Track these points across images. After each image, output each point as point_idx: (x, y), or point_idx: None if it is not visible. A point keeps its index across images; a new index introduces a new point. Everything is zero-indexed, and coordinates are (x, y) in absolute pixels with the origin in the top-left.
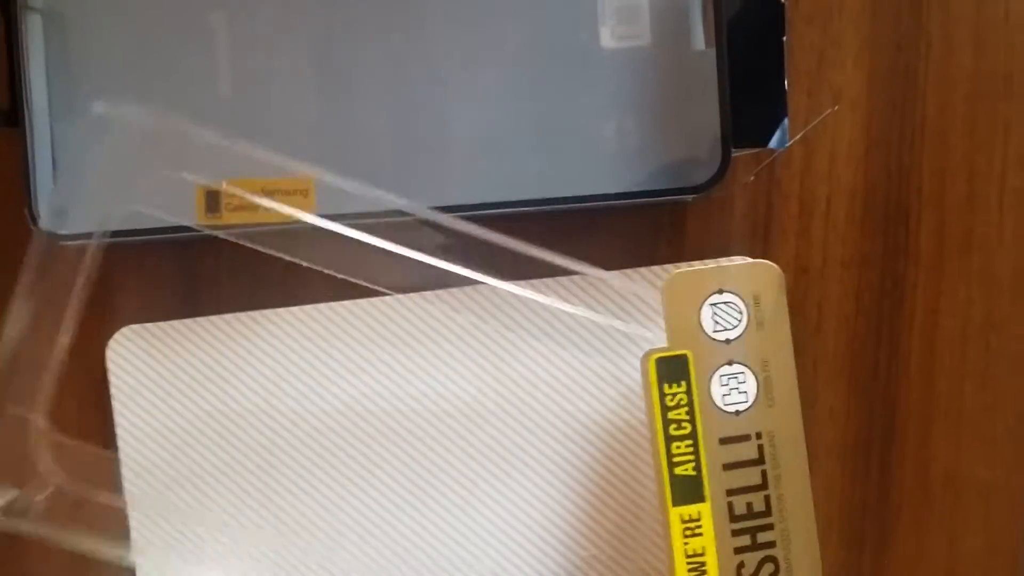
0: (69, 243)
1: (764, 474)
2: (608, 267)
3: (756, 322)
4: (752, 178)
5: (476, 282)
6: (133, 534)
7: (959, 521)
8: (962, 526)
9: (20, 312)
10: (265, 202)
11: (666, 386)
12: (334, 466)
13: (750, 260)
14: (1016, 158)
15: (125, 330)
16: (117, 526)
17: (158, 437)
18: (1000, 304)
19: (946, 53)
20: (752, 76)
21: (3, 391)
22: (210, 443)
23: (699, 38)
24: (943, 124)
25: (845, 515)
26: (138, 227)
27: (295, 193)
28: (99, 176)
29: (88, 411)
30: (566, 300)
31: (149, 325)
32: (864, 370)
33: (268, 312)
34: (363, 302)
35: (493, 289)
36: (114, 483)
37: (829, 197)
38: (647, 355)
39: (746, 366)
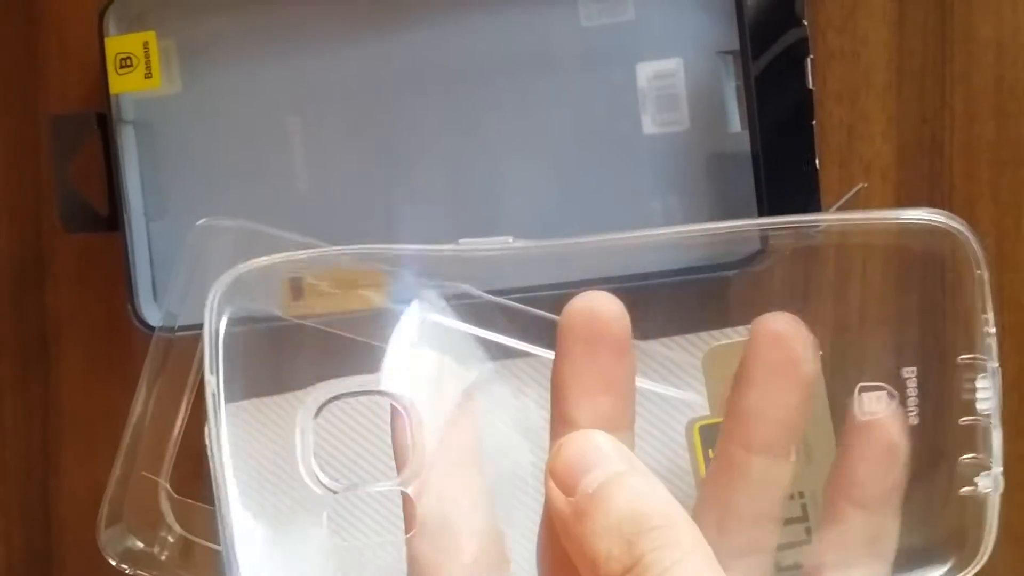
0: (181, 334)
1: (808, 531)
2: (652, 337)
3: (804, 456)
4: (788, 253)
5: (531, 355)
6: None
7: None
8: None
9: (144, 395)
10: (342, 292)
11: (710, 451)
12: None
13: None
14: None
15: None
16: (217, 570)
17: (251, 495)
18: None
19: (969, 124)
20: (785, 156)
21: (133, 460)
22: (294, 501)
23: (735, 122)
24: (970, 191)
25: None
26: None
27: (369, 286)
28: (203, 278)
29: (193, 477)
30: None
31: (243, 403)
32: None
33: None
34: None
35: (543, 360)
36: (215, 534)
37: (864, 263)
38: (691, 422)
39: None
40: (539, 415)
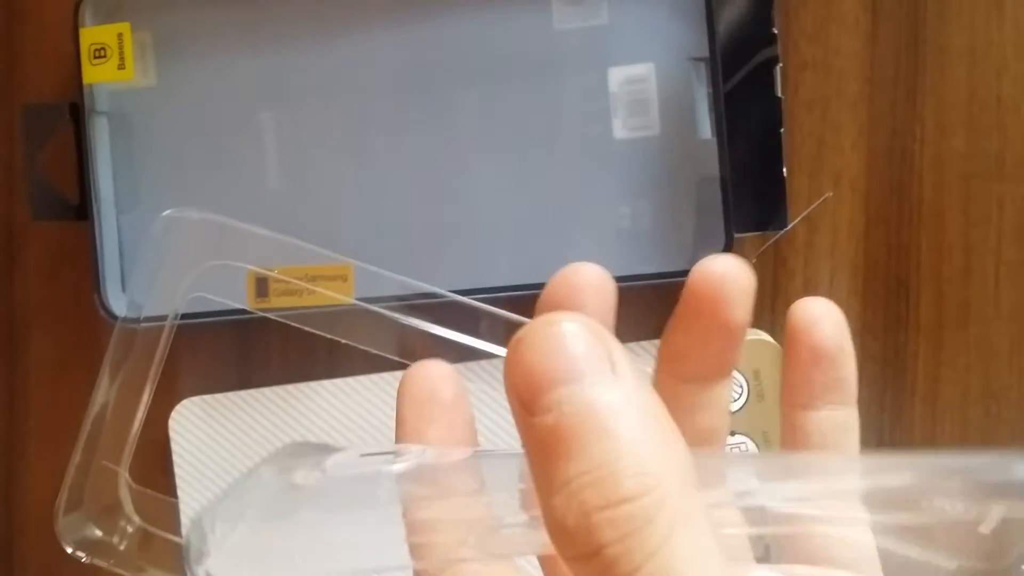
0: (145, 326)
1: (767, 548)
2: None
3: (756, 395)
4: (754, 261)
5: (496, 356)
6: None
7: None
8: None
9: (106, 385)
10: (308, 287)
11: None
12: None
13: (750, 336)
14: (1011, 233)
15: (186, 402)
16: (177, 563)
17: (212, 487)
18: (999, 372)
19: (940, 136)
20: (754, 164)
21: (94, 449)
22: None
23: (704, 128)
24: (939, 203)
25: None
26: (200, 310)
27: (335, 279)
28: (168, 269)
29: (154, 468)
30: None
31: (207, 397)
32: (870, 436)
33: (313, 384)
34: (397, 374)
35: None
36: (176, 526)
37: (832, 273)
38: None
39: (747, 436)
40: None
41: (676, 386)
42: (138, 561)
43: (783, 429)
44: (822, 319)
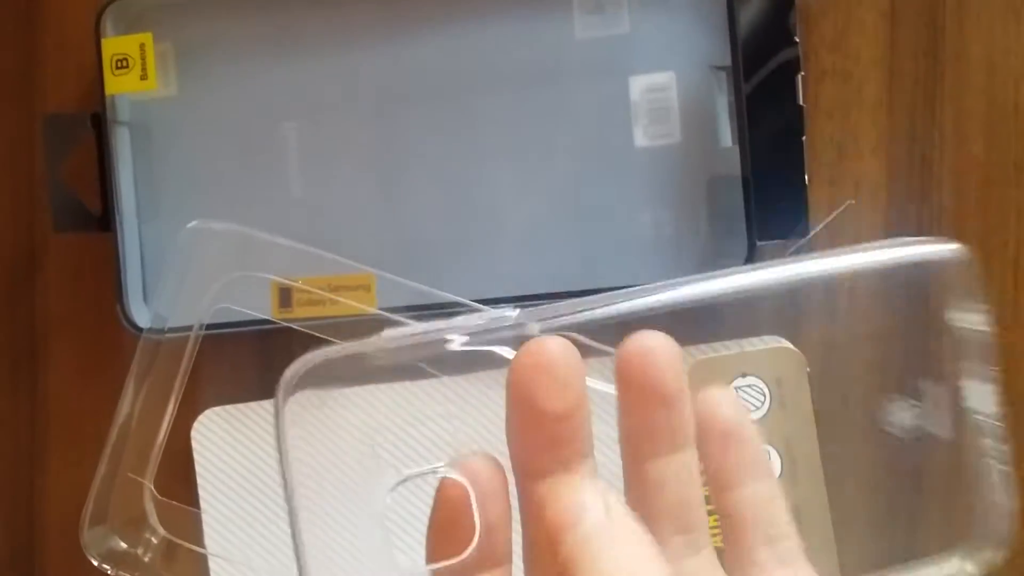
0: (169, 337)
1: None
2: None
3: (779, 402)
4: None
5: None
6: None
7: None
8: None
9: (131, 396)
10: (331, 296)
11: None
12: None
13: (772, 344)
14: None
15: (209, 412)
16: (201, 573)
17: (235, 497)
18: (1017, 380)
19: (959, 144)
20: (775, 172)
21: (119, 460)
22: (276, 506)
23: (726, 136)
24: (959, 209)
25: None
26: (223, 321)
27: (358, 288)
28: (192, 280)
29: (176, 478)
30: (599, 380)
31: (229, 407)
32: (889, 438)
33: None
34: (421, 383)
35: None
36: (199, 537)
37: (853, 279)
38: None
39: (771, 446)
40: None
41: (640, 465)
42: (162, 572)
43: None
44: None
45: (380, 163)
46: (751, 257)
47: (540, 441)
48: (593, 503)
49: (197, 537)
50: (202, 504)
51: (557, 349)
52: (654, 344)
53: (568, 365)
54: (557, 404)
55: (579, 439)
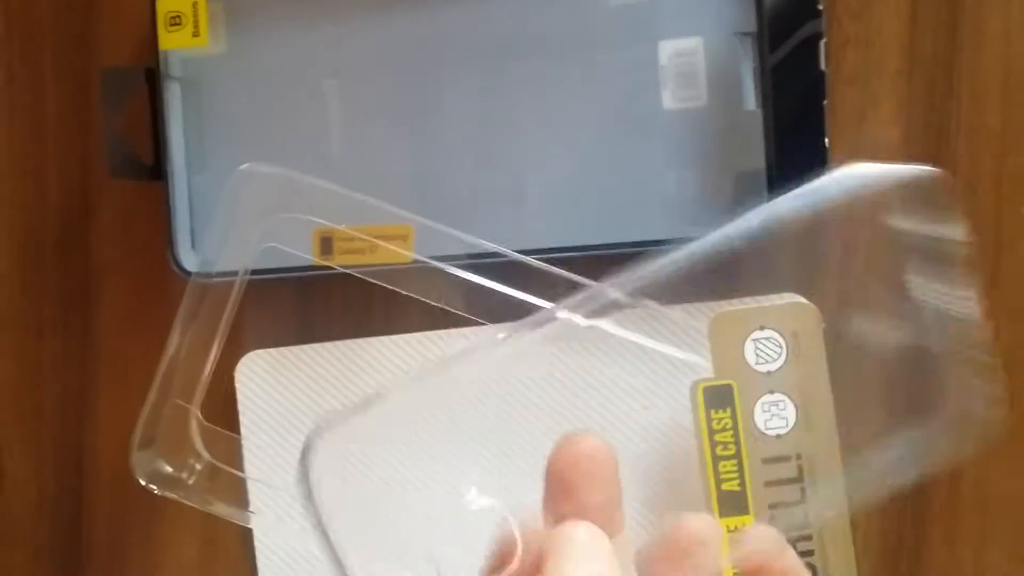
0: (217, 281)
1: (803, 491)
2: (668, 302)
3: (795, 355)
4: (799, 224)
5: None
6: (252, 503)
7: (987, 532)
8: (990, 536)
9: (179, 335)
10: (372, 241)
11: (713, 412)
12: (417, 467)
13: (789, 300)
14: None
15: (251, 354)
16: (241, 497)
17: (273, 433)
18: None
19: (976, 114)
20: (796, 134)
21: (168, 389)
22: None
23: (750, 100)
24: (973, 177)
25: (882, 528)
26: (267, 267)
27: (396, 238)
28: (240, 222)
29: (219, 420)
30: (630, 330)
31: (272, 350)
32: (901, 394)
33: (372, 339)
34: (452, 331)
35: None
36: (240, 463)
37: (870, 241)
38: (696, 384)
39: (786, 395)
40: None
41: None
42: (206, 495)
43: None
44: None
45: (416, 121)
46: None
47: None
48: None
49: (238, 465)
50: (243, 438)
51: (590, 449)
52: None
53: (603, 461)
54: (595, 497)
55: (613, 521)
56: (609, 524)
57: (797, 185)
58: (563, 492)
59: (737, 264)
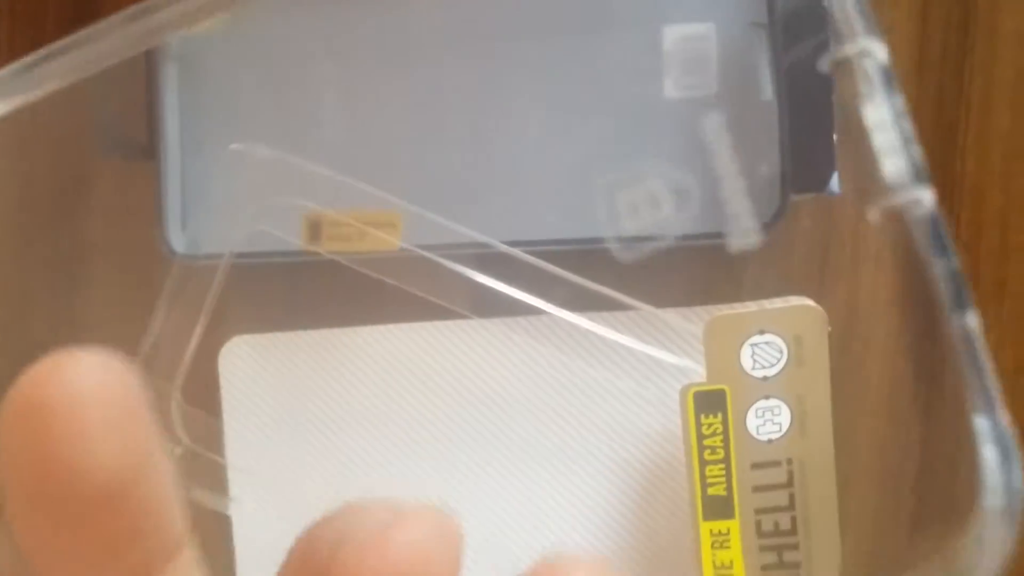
0: (203, 262)
1: (792, 496)
2: (666, 304)
3: (796, 360)
4: (807, 228)
5: (540, 311)
6: (231, 490)
7: None
8: None
9: (164, 314)
10: (360, 227)
11: (702, 416)
12: (401, 462)
13: (795, 303)
14: None
15: (236, 339)
16: (221, 483)
17: (256, 419)
18: None
19: (985, 115)
20: (804, 130)
21: (148, 368)
22: (298, 426)
23: (763, 91)
24: (980, 180)
25: (877, 534)
26: (256, 250)
27: (385, 225)
28: (230, 202)
29: (203, 399)
30: (622, 332)
31: (257, 335)
32: (903, 402)
33: (358, 329)
34: (438, 324)
35: (553, 318)
36: (220, 448)
37: (879, 244)
38: (686, 388)
39: (782, 400)
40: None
41: None
42: (184, 480)
43: None
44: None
45: (413, 107)
46: (783, 207)
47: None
48: None
49: (219, 451)
50: (225, 423)
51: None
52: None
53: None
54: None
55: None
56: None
57: (808, 181)
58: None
59: (742, 264)
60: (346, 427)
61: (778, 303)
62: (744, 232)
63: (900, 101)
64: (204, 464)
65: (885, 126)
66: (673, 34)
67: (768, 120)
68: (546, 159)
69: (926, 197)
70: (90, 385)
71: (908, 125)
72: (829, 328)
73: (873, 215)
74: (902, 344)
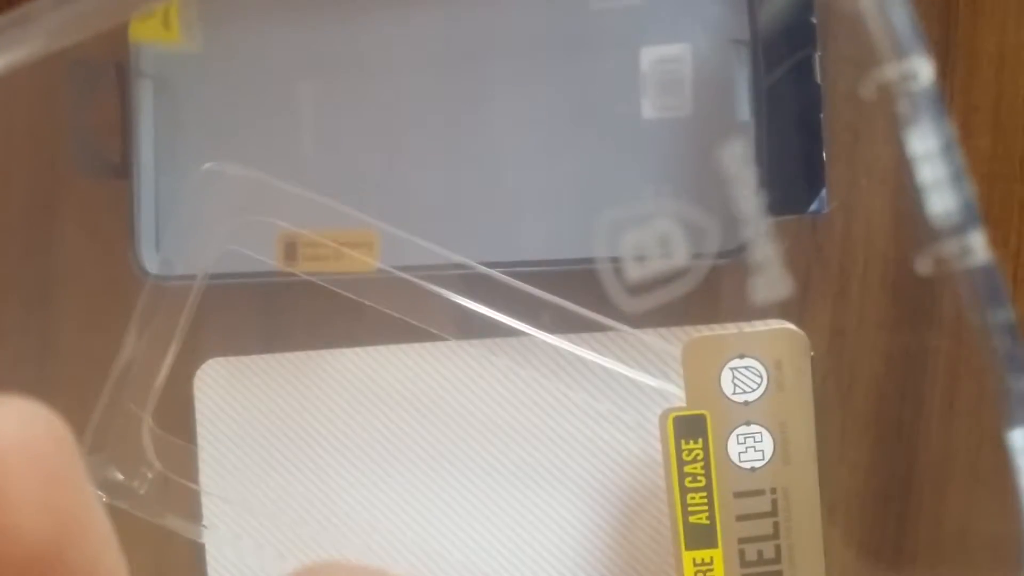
0: (176, 283)
1: (776, 525)
2: (645, 325)
3: (777, 385)
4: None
5: (519, 332)
6: (205, 517)
7: (969, 573)
8: None
9: (135, 337)
10: (337, 248)
11: (683, 442)
12: (379, 487)
13: (776, 326)
14: None
15: (211, 362)
16: (194, 510)
17: (231, 444)
18: None
19: (967, 136)
20: (790, 148)
21: (120, 392)
22: (274, 451)
23: (741, 110)
24: None
25: (862, 562)
26: (229, 271)
27: (361, 245)
28: (203, 222)
29: (176, 423)
30: (601, 354)
31: (232, 358)
32: (889, 427)
33: (336, 351)
34: (416, 346)
35: (532, 339)
36: (194, 475)
37: (866, 263)
38: (666, 412)
39: (764, 427)
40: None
41: None
42: (156, 507)
43: None
44: None
45: (389, 127)
46: (760, 228)
47: None
48: None
49: (192, 476)
50: (199, 448)
51: None
52: None
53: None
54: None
55: None
56: None
57: (789, 203)
58: None
59: (719, 286)
60: (323, 452)
61: (759, 326)
62: (723, 253)
63: (949, 128)
64: (177, 490)
65: (932, 158)
66: (650, 55)
67: (745, 140)
68: (525, 179)
69: (978, 244)
70: (11, 439)
71: (959, 157)
72: (812, 352)
73: (923, 265)
74: (888, 369)
